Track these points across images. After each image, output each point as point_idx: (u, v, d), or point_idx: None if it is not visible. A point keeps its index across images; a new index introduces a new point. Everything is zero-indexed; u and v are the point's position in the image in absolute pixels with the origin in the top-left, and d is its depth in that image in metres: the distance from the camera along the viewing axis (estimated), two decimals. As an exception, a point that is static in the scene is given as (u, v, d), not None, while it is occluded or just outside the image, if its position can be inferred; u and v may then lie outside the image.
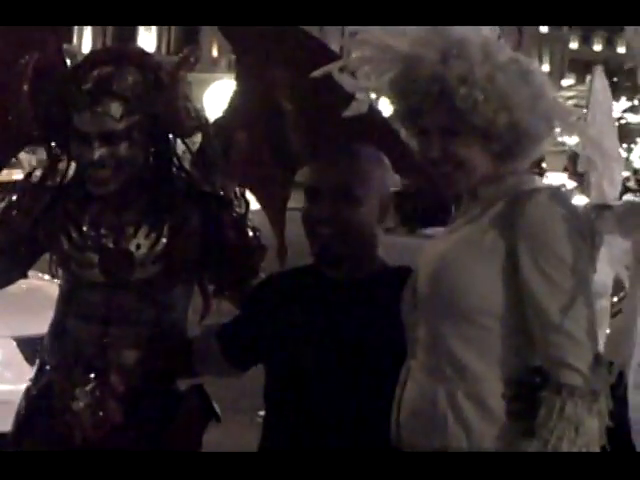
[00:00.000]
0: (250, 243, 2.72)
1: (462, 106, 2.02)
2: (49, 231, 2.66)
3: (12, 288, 2.91)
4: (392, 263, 2.44)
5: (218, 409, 2.76)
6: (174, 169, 2.68)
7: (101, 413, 2.55)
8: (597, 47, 77.32)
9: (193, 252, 2.64)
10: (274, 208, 2.84)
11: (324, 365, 2.31)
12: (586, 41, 79.89)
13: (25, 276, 2.91)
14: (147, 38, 40.36)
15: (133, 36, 39.39)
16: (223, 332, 2.60)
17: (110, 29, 41.05)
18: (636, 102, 49.36)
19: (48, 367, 2.72)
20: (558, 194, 2.07)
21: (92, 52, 2.91)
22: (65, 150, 2.64)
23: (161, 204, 2.62)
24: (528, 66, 2.10)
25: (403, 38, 2.14)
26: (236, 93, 2.79)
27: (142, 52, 2.75)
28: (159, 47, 42.46)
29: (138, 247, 2.59)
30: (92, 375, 2.57)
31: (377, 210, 2.36)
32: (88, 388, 2.56)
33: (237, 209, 2.70)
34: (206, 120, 2.71)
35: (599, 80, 2.76)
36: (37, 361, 2.84)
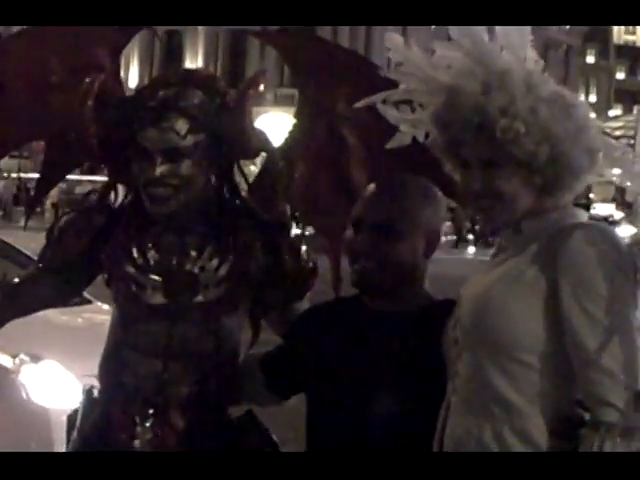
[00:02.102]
0: (305, 268, 2.65)
1: (503, 138, 1.98)
2: (109, 253, 2.57)
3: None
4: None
5: (275, 437, 2.65)
6: (235, 194, 2.62)
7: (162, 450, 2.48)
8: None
9: (254, 276, 2.58)
10: (332, 238, 2.73)
11: (365, 397, 2.24)
12: (633, 71, 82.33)
13: (81, 298, 2.93)
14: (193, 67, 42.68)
15: (180, 67, 38.85)
16: (266, 360, 2.55)
17: (156, 62, 42.55)
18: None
19: (100, 395, 2.62)
20: (600, 229, 2.01)
21: (159, 75, 2.85)
22: (126, 170, 2.55)
23: (224, 227, 2.56)
24: (571, 99, 2.05)
25: (447, 69, 2.13)
26: (297, 124, 2.72)
27: (208, 75, 2.69)
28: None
29: (202, 269, 2.52)
30: (151, 411, 2.50)
31: (422, 244, 2.28)
32: (148, 424, 2.50)
33: (295, 238, 2.66)
34: (271, 144, 2.65)
35: None
36: (84, 387, 2.71)
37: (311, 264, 2.69)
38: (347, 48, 3.14)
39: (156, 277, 2.55)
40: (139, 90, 2.64)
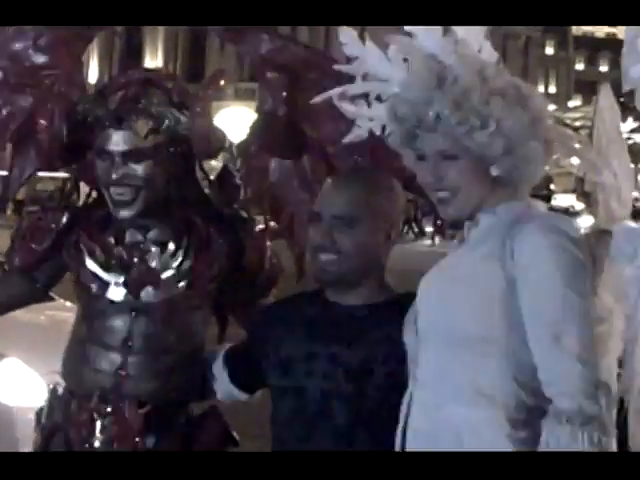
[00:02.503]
0: (269, 265, 2.67)
1: (458, 131, 2.00)
2: (72, 251, 2.59)
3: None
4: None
5: (235, 434, 2.68)
6: (196, 191, 2.63)
7: (120, 441, 2.49)
8: (603, 68, 78.65)
9: (217, 273, 2.58)
10: (293, 236, 2.74)
11: (328, 392, 2.25)
12: (592, 62, 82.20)
13: (47, 297, 2.80)
14: (153, 65, 40.66)
15: (139, 64, 39.14)
16: (230, 355, 2.55)
17: (116, 59, 41.86)
18: (642, 122, 48.64)
19: (62, 392, 2.63)
20: (553, 223, 2.02)
21: (118, 75, 2.84)
22: (89, 170, 2.56)
23: (186, 225, 2.57)
24: (526, 91, 2.06)
25: (401, 64, 2.16)
26: (258, 119, 2.70)
27: (168, 74, 2.94)
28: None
29: (165, 266, 2.54)
30: (109, 409, 2.50)
31: (382, 235, 2.27)
32: (105, 421, 2.50)
33: (258, 233, 2.67)
34: (230, 143, 2.69)
35: (605, 98, 2.50)
36: (48, 385, 2.72)
37: (275, 260, 2.73)
38: (307, 45, 3.03)
39: (119, 274, 2.58)
40: (99, 90, 2.65)
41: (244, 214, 2.74)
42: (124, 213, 2.53)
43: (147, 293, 2.58)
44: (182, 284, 2.59)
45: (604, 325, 2.26)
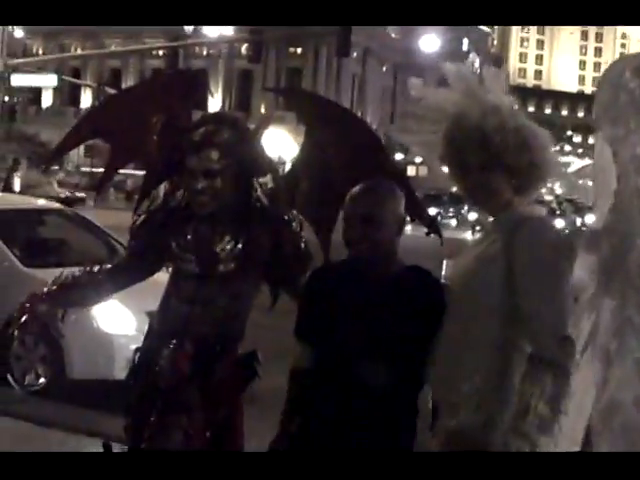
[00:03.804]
0: (302, 252, 3.66)
1: (497, 148, 2.75)
2: (165, 238, 3.64)
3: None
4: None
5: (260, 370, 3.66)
6: (252, 199, 3.61)
7: (174, 367, 3.54)
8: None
9: (261, 256, 3.60)
10: (323, 233, 3.82)
11: (364, 343, 2.98)
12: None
13: (152, 274, 3.82)
14: (215, 97, 52.54)
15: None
16: (304, 336, 3.17)
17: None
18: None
19: (154, 330, 3.73)
20: (543, 221, 2.80)
21: (202, 115, 3.75)
22: (180, 182, 3.62)
23: (240, 222, 3.58)
24: (534, 126, 2.86)
25: (452, 103, 2.93)
26: (301, 154, 3.83)
27: (236, 116, 3.71)
28: (223, 106, 62.20)
29: (222, 250, 3.57)
30: (174, 341, 3.58)
31: (395, 228, 3.03)
32: (169, 350, 3.58)
33: (295, 229, 3.66)
34: (276, 167, 3.74)
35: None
36: (148, 325, 3.82)
37: (307, 249, 3.67)
38: (339, 104, 4.35)
39: (192, 254, 3.60)
40: (189, 127, 3.61)
41: (285, 216, 3.65)
42: (203, 212, 3.55)
43: (209, 266, 3.58)
44: (233, 262, 3.58)
45: (583, 294, 2.79)
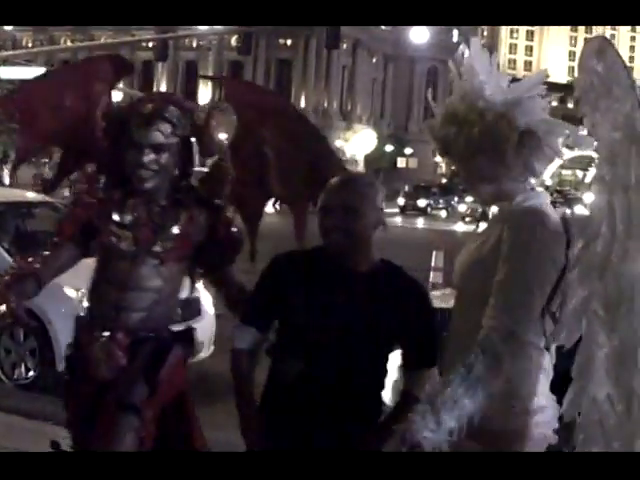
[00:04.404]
0: (233, 237, 3.66)
1: (468, 137, 2.79)
2: (101, 215, 3.60)
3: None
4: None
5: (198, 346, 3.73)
6: (190, 179, 3.67)
7: (109, 360, 3.52)
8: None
9: (196, 238, 3.61)
10: (251, 223, 3.88)
11: (329, 335, 2.99)
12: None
13: (86, 257, 3.71)
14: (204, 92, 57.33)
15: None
16: (248, 318, 3.20)
17: (136, 85, 58.19)
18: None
19: (84, 321, 3.70)
20: (534, 213, 2.74)
21: (150, 93, 5.16)
22: (115, 162, 3.56)
23: (179, 202, 3.61)
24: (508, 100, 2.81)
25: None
26: (234, 142, 3.69)
27: (183, 97, 3.85)
28: (212, 97, 61.44)
29: (159, 227, 3.56)
30: (106, 333, 3.55)
31: (373, 220, 3.02)
32: (103, 340, 3.55)
33: (229, 214, 3.68)
34: (226, 149, 3.68)
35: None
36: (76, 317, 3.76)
37: (238, 235, 3.68)
38: (273, 91, 5.13)
39: (128, 231, 3.56)
40: (133, 103, 3.65)
41: (220, 203, 3.65)
42: (144, 187, 3.51)
43: (146, 244, 3.55)
44: (170, 242, 3.57)
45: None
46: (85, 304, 3.76)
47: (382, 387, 3.11)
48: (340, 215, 2.98)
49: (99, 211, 3.60)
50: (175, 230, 3.58)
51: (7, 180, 23.16)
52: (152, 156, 3.47)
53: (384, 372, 3.10)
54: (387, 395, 5.97)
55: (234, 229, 3.68)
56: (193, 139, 3.62)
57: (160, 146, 3.48)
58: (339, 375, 2.97)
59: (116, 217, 3.58)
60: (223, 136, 3.63)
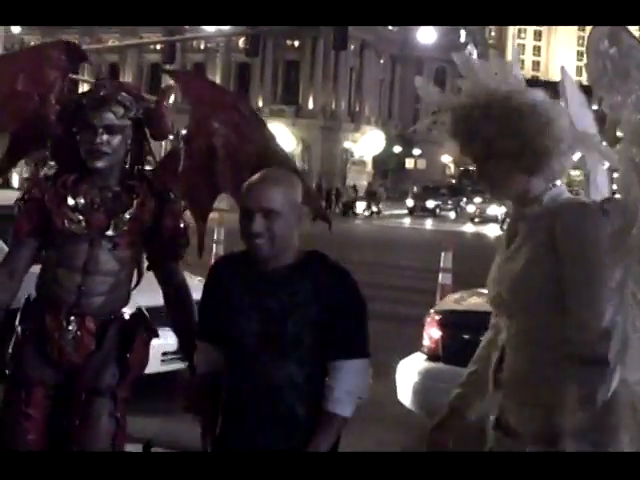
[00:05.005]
0: (178, 230, 3.74)
1: (488, 137, 2.69)
2: (54, 199, 3.66)
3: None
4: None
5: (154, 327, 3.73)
6: (144, 166, 3.76)
7: (80, 346, 3.62)
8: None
9: (146, 224, 3.68)
10: (201, 217, 3.92)
11: (260, 334, 2.93)
12: None
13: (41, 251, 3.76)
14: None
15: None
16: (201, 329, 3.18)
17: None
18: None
19: (35, 303, 3.73)
20: (582, 203, 2.73)
21: (102, 80, 4.13)
22: (74, 143, 3.62)
23: (131, 187, 3.69)
24: (537, 101, 2.73)
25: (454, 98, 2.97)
26: (186, 135, 3.88)
27: (135, 85, 4.20)
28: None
29: (113, 212, 3.64)
30: (72, 318, 3.62)
31: (294, 218, 2.94)
32: (71, 327, 3.62)
33: (177, 207, 3.77)
34: (178, 131, 3.89)
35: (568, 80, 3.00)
36: (24, 297, 3.75)
37: (183, 229, 3.75)
38: (224, 87, 4.53)
39: (81, 215, 3.63)
40: (89, 89, 3.76)
41: (172, 195, 3.74)
42: (96, 164, 3.58)
43: (99, 228, 3.62)
44: (122, 227, 3.64)
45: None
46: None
47: (317, 392, 2.94)
48: (260, 219, 2.89)
49: (52, 196, 3.67)
50: (127, 215, 3.66)
51: (16, 183, 23.22)
52: (105, 137, 3.56)
53: (318, 375, 2.94)
54: (407, 397, 6.01)
55: (181, 223, 3.75)
56: (146, 129, 3.73)
57: (112, 127, 3.58)
58: (269, 383, 2.90)
59: (70, 201, 3.65)
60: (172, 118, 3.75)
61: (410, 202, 49.94)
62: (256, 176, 2.99)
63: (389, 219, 38.71)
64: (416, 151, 70.05)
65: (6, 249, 7.76)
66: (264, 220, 2.88)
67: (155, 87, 67.16)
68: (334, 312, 2.92)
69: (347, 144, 72.26)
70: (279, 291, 2.94)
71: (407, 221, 34.48)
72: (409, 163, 70.83)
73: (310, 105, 73.30)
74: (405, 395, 6.53)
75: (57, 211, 3.64)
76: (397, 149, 77.37)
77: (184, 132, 3.95)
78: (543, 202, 2.74)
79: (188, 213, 3.88)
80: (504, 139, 2.67)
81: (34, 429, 3.55)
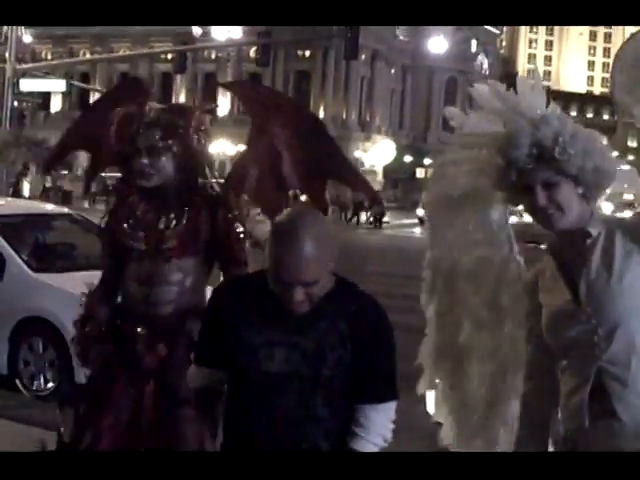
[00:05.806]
0: (236, 237, 3.99)
1: (560, 159, 2.59)
2: (117, 219, 4.05)
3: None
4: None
5: None
6: (198, 182, 4.04)
7: (152, 353, 3.90)
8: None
9: (203, 233, 3.93)
10: (272, 215, 3.89)
11: (287, 375, 2.73)
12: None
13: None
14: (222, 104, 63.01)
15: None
16: (199, 356, 3.02)
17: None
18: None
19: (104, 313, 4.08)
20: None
21: (151, 95, 4.27)
22: (128, 164, 3.96)
23: (183, 201, 3.95)
24: (587, 130, 2.72)
25: (498, 123, 2.85)
26: (248, 142, 4.10)
27: (187, 106, 4.36)
28: (231, 109, 67.44)
29: (167, 227, 3.91)
30: (139, 329, 3.94)
31: (330, 263, 2.71)
32: (143, 333, 3.93)
33: (230, 215, 3.97)
34: (211, 158, 4.20)
35: None
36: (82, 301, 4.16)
37: (241, 235, 3.99)
38: (282, 93, 4.95)
39: (141, 232, 3.94)
40: (139, 112, 3.97)
41: (225, 201, 3.96)
42: (145, 183, 3.87)
43: (156, 243, 3.90)
44: (177, 239, 3.90)
45: None
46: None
47: (342, 432, 2.79)
48: (300, 289, 2.66)
49: (115, 215, 4.04)
50: (182, 227, 3.90)
51: (27, 192, 23.29)
52: (148, 159, 3.84)
53: (343, 409, 2.79)
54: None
55: (237, 229, 3.96)
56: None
57: (154, 149, 3.85)
58: (291, 418, 2.73)
59: (130, 220, 3.98)
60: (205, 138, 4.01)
61: (420, 212, 49.94)
62: (279, 224, 2.74)
63: (400, 228, 38.74)
64: (427, 160, 70.01)
65: (16, 257, 8.22)
66: (304, 289, 2.67)
67: (166, 97, 67.53)
68: (369, 354, 2.77)
69: (358, 153, 72.29)
70: (311, 330, 2.74)
71: (417, 231, 34.69)
72: (420, 173, 70.82)
73: (321, 115, 73.37)
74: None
75: (119, 230, 4.01)
76: (408, 159, 77.40)
77: (246, 139, 4.14)
78: (596, 219, 2.68)
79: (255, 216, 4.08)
80: (575, 161, 2.61)
81: (110, 428, 3.88)
